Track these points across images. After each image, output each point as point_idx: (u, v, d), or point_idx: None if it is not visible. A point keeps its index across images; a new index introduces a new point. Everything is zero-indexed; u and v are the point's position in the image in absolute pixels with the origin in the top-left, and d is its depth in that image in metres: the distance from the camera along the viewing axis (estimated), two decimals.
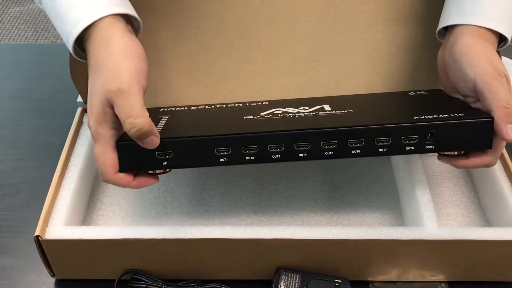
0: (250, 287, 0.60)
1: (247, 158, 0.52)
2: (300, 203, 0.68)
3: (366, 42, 0.67)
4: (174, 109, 0.65)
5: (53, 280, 0.61)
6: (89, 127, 0.50)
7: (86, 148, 0.67)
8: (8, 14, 2.38)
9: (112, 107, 0.48)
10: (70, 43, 0.51)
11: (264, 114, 0.59)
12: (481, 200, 0.68)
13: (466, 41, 0.55)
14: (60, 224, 0.57)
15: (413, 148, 0.52)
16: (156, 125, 0.51)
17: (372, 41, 0.67)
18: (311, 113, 0.58)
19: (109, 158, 0.50)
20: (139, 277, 0.58)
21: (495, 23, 0.55)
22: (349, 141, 0.51)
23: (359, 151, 0.52)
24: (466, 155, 0.54)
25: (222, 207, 0.67)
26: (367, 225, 0.65)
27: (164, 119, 0.59)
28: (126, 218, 0.66)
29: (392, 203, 0.68)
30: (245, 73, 0.68)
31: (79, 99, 0.71)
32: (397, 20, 0.66)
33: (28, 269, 0.62)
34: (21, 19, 2.34)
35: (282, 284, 0.56)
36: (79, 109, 0.72)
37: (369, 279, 0.60)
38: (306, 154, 0.52)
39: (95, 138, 0.50)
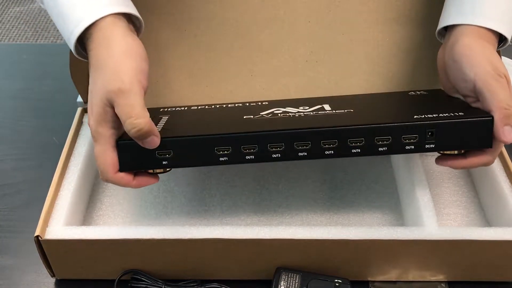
0: (250, 287, 0.60)
1: (247, 157, 0.52)
2: (300, 203, 0.68)
3: (366, 42, 0.67)
4: (174, 109, 0.65)
5: (53, 280, 0.61)
6: (89, 126, 0.50)
7: (86, 148, 0.67)
8: (8, 14, 2.38)
9: (112, 107, 0.48)
10: (71, 43, 0.51)
11: (264, 114, 0.59)
12: (481, 200, 0.68)
13: (466, 41, 0.55)
14: (60, 224, 0.57)
15: (413, 147, 0.52)
16: (156, 125, 0.51)
17: (372, 41, 0.67)
18: (311, 113, 0.58)
19: (109, 157, 0.50)
20: (139, 277, 0.58)
21: (495, 23, 0.55)
22: (349, 140, 0.52)
23: (359, 150, 0.52)
24: (464, 154, 0.54)
25: (222, 207, 0.67)
26: (367, 225, 0.65)
27: (164, 119, 0.59)
28: (126, 218, 0.66)
29: (392, 203, 0.68)
30: (245, 73, 0.68)
31: (79, 99, 0.71)
32: (397, 20, 0.66)
33: (28, 269, 0.62)
34: (21, 19, 2.34)
35: (282, 284, 0.56)
36: (79, 109, 0.72)
37: (369, 279, 0.60)
38: (306, 154, 0.52)
39: (95, 138, 0.50)
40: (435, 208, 0.59)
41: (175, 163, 0.53)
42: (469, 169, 0.72)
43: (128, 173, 0.52)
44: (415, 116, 0.52)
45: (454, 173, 0.71)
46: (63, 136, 0.67)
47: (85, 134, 0.69)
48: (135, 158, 0.52)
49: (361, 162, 0.72)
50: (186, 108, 0.66)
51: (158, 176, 0.55)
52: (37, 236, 0.55)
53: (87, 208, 0.67)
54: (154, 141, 0.49)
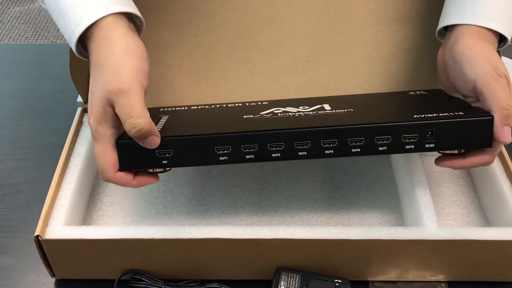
0: (250, 287, 0.60)
1: (247, 156, 0.52)
2: (300, 203, 0.68)
3: (366, 42, 0.67)
4: (174, 108, 0.65)
5: (53, 280, 0.61)
6: (89, 126, 0.51)
7: (86, 148, 0.67)
8: (8, 14, 2.38)
9: (112, 106, 0.48)
10: (73, 42, 0.51)
11: (264, 114, 0.59)
12: (481, 200, 0.68)
13: (466, 42, 0.55)
14: (60, 224, 0.57)
15: (413, 146, 0.52)
16: (156, 124, 0.51)
17: (372, 41, 0.67)
18: (311, 112, 0.58)
19: (109, 156, 0.50)
20: (139, 277, 0.58)
21: (495, 23, 0.55)
22: (349, 140, 0.52)
23: (359, 150, 0.52)
24: (464, 154, 0.54)
25: (222, 207, 0.67)
26: (367, 225, 0.65)
27: (164, 119, 0.59)
28: (126, 218, 0.66)
29: (392, 203, 0.68)
30: (245, 73, 0.68)
31: (79, 99, 0.71)
32: (397, 20, 0.66)
33: (28, 269, 0.62)
34: (21, 19, 2.34)
35: (282, 284, 0.56)
36: (79, 109, 0.72)
37: (369, 279, 0.60)
38: (306, 153, 0.52)
39: (95, 137, 0.50)
40: (435, 208, 0.59)
41: (175, 163, 0.53)
42: (469, 169, 0.72)
43: (128, 173, 0.52)
44: (415, 116, 0.52)
45: (454, 173, 0.71)
46: (63, 136, 0.67)
47: (85, 134, 0.69)
48: (135, 157, 0.52)
49: (361, 162, 0.72)
50: (186, 107, 0.66)
51: (158, 175, 0.55)
52: (37, 236, 0.56)
53: (87, 208, 0.67)
54: (154, 141, 0.49)
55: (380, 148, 0.52)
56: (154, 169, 0.54)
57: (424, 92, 0.65)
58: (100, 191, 0.69)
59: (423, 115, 0.52)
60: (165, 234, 0.56)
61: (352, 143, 0.52)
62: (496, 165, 0.65)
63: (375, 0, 0.65)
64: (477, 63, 0.53)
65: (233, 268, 0.59)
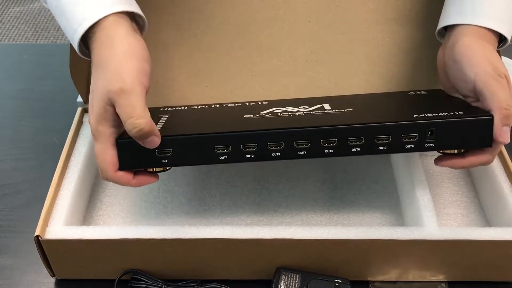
0: (250, 287, 0.60)
1: (247, 156, 0.52)
2: (300, 203, 0.68)
3: (366, 42, 0.67)
4: (174, 108, 0.66)
5: (53, 280, 0.61)
6: (89, 124, 0.51)
7: (86, 148, 0.67)
8: (8, 14, 2.38)
9: (113, 106, 0.48)
10: (75, 42, 0.51)
11: (264, 113, 0.59)
12: (481, 200, 0.68)
13: (466, 42, 0.55)
14: (60, 224, 0.57)
15: (413, 146, 0.52)
16: (156, 124, 0.51)
17: (372, 41, 0.67)
18: (311, 112, 0.58)
19: (109, 155, 0.50)
20: (139, 277, 0.58)
21: (495, 22, 0.55)
22: (349, 139, 0.52)
23: (359, 149, 0.52)
24: (464, 154, 0.54)
25: (222, 207, 0.67)
26: (367, 225, 0.65)
27: (164, 118, 0.59)
28: (126, 218, 0.66)
29: (392, 203, 0.68)
30: (245, 73, 0.68)
31: (79, 99, 0.71)
32: (397, 20, 0.66)
33: (28, 269, 0.62)
34: (21, 19, 2.35)
35: (282, 284, 0.56)
36: (79, 109, 0.72)
37: (369, 279, 0.60)
38: (305, 152, 0.52)
39: (95, 136, 0.50)
40: (435, 208, 0.59)
41: (174, 162, 0.53)
42: (469, 169, 0.72)
43: (128, 172, 0.52)
44: (415, 115, 0.52)
45: (454, 173, 0.71)
46: (63, 136, 0.67)
47: (85, 134, 0.69)
48: (135, 156, 0.52)
49: (361, 162, 0.72)
50: (186, 107, 0.66)
51: (158, 175, 0.55)
52: (37, 236, 0.56)
53: (87, 208, 0.67)
54: (155, 141, 0.49)
55: (380, 148, 0.52)
56: (154, 169, 0.54)
57: (424, 92, 0.65)
58: (100, 191, 0.69)
59: (423, 115, 0.52)
60: (165, 234, 0.56)
61: (352, 142, 0.52)
62: (496, 165, 0.65)
63: (375, 0, 0.65)
64: (477, 63, 0.53)
65: (233, 268, 0.59)
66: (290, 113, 0.58)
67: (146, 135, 0.48)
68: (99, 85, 0.49)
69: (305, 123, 0.54)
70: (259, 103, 0.65)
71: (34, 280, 0.61)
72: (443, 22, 0.58)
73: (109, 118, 0.49)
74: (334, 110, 0.58)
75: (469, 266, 0.59)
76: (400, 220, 0.65)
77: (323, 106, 0.60)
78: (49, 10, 0.55)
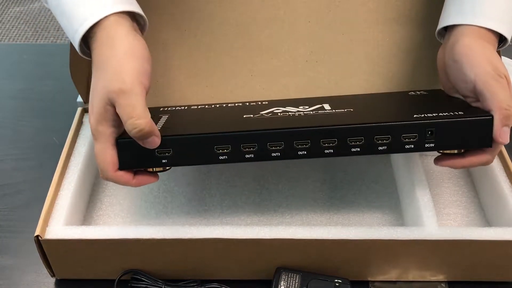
0: (250, 287, 0.60)
1: (247, 156, 0.52)
2: (300, 203, 0.68)
3: (366, 42, 0.67)
4: (174, 108, 0.66)
5: (53, 280, 0.61)
6: (90, 124, 0.51)
7: (86, 148, 0.67)
8: (8, 14, 2.38)
9: (113, 106, 0.48)
10: (76, 42, 0.52)
11: (264, 113, 0.59)
12: (481, 200, 0.68)
13: (466, 42, 0.55)
14: (60, 224, 0.57)
15: (412, 146, 0.52)
16: (156, 124, 0.51)
17: (372, 41, 0.67)
18: (311, 112, 0.58)
19: (108, 155, 0.50)
20: (139, 277, 0.58)
21: (495, 23, 0.55)
22: (349, 139, 0.52)
23: (358, 149, 0.52)
24: (463, 154, 0.54)
25: (222, 207, 0.67)
26: (367, 225, 0.65)
27: (164, 118, 0.59)
28: (126, 218, 0.66)
29: (392, 203, 0.68)
30: (245, 73, 0.68)
31: (79, 99, 0.71)
32: (397, 20, 0.66)
33: (28, 269, 0.62)
34: (21, 19, 2.35)
35: (282, 284, 0.56)
36: (79, 109, 0.72)
37: (369, 279, 0.60)
38: (305, 152, 0.52)
39: (95, 136, 0.50)
40: (435, 208, 0.59)
41: (174, 162, 0.53)
42: (469, 169, 0.72)
43: (128, 172, 0.52)
44: (415, 115, 0.52)
45: (454, 173, 0.71)
46: (63, 136, 0.67)
47: (85, 134, 0.69)
48: (135, 156, 0.52)
49: (361, 162, 0.72)
50: (186, 107, 0.66)
51: (157, 175, 0.55)
52: (37, 236, 0.56)
53: (87, 208, 0.67)
54: (155, 142, 0.49)
55: (380, 148, 0.52)
56: (154, 169, 0.54)
57: (424, 92, 0.65)
58: (100, 191, 0.69)
59: (423, 115, 0.52)
60: (165, 234, 0.56)
61: (351, 142, 0.52)
62: (496, 165, 0.65)
63: (375, 0, 0.65)
64: (477, 64, 0.53)
65: (233, 268, 0.59)
66: (290, 113, 0.58)
67: (146, 135, 0.48)
68: (100, 85, 0.49)
69: (305, 123, 0.54)
70: (259, 103, 0.65)
71: (34, 280, 0.61)
72: (443, 22, 0.58)
73: (109, 118, 0.49)
74: (334, 110, 0.58)
75: (469, 266, 0.59)
76: (400, 220, 0.65)
77: (323, 106, 0.60)
78: (49, 10, 0.55)
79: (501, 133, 0.51)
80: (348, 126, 0.52)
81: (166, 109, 0.65)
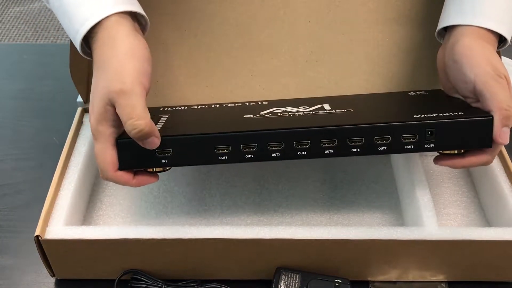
0: (250, 287, 0.60)
1: (247, 156, 0.52)
2: (300, 203, 0.68)
3: (366, 42, 0.67)
4: (174, 108, 0.66)
5: (53, 280, 0.61)
6: (90, 124, 0.51)
7: (86, 148, 0.67)
8: (8, 14, 2.38)
9: (113, 106, 0.48)
10: (77, 42, 0.52)
11: (264, 113, 0.59)
12: (481, 200, 0.68)
13: (466, 42, 0.55)
14: (60, 224, 0.57)
15: (412, 146, 0.52)
16: (156, 124, 0.51)
17: (372, 41, 0.67)
18: (311, 112, 0.58)
19: (108, 155, 0.50)
20: (139, 277, 0.58)
21: (495, 23, 0.55)
22: (349, 140, 0.52)
23: (358, 150, 0.52)
24: (463, 154, 0.54)
25: (222, 207, 0.67)
26: (367, 225, 0.65)
27: (164, 118, 0.59)
28: (126, 218, 0.66)
29: (392, 203, 0.68)
30: (245, 73, 0.68)
31: (79, 99, 0.71)
32: (397, 20, 0.66)
33: (28, 269, 0.62)
34: (21, 19, 2.34)
35: (282, 284, 0.56)
36: (79, 109, 0.72)
37: (369, 279, 0.60)
38: (305, 153, 0.52)
39: (95, 136, 0.50)
40: (435, 208, 0.59)
41: (174, 162, 0.53)
42: (469, 169, 0.72)
43: (128, 172, 0.52)
44: (414, 116, 0.52)
45: (454, 173, 0.71)
46: (63, 136, 0.67)
47: (85, 134, 0.69)
48: (135, 156, 0.52)
49: (361, 162, 0.72)
50: (186, 107, 0.66)
51: (157, 175, 0.55)
52: (37, 236, 0.56)
53: (87, 208, 0.67)
54: (155, 142, 0.49)
55: (380, 148, 0.52)
56: (154, 169, 0.54)
57: (424, 92, 0.65)
58: (100, 191, 0.69)
59: (423, 115, 0.52)
60: (165, 234, 0.56)
61: (351, 143, 0.52)
62: (496, 165, 0.65)
63: (375, 0, 0.65)
64: (477, 64, 0.53)
65: (233, 268, 0.59)
66: (290, 113, 0.58)
67: (146, 136, 0.48)
68: (100, 85, 0.49)
69: (305, 123, 0.54)
70: (259, 103, 0.65)
71: (34, 280, 0.61)
72: (443, 22, 0.58)
73: (109, 118, 0.49)
74: (334, 110, 0.58)
75: (469, 266, 0.59)
76: (400, 220, 0.65)
77: (323, 106, 0.60)
78: (49, 10, 0.55)
79: (501, 133, 0.51)
80: (348, 126, 0.52)
81: (166, 109, 0.65)
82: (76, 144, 0.68)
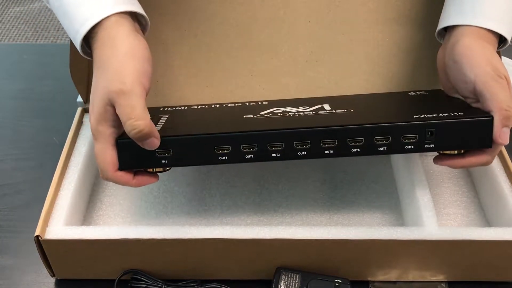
0: (250, 287, 0.60)
1: (247, 156, 0.52)
2: (300, 203, 0.68)
3: (366, 42, 0.67)
4: (174, 108, 0.66)
5: (53, 280, 0.61)
6: (90, 124, 0.51)
7: (86, 148, 0.67)
8: (8, 14, 2.38)
9: (113, 106, 0.48)
10: (77, 42, 0.52)
11: (264, 113, 0.59)
12: (481, 200, 0.68)
13: (466, 42, 0.55)
14: (60, 224, 0.57)
15: (412, 147, 0.52)
16: (155, 124, 0.51)
17: (372, 41, 0.67)
18: (311, 112, 0.58)
19: (108, 155, 0.50)
20: (139, 277, 0.58)
21: (495, 23, 0.55)
22: (349, 140, 0.52)
23: (358, 150, 0.52)
24: (463, 154, 0.54)
25: (222, 207, 0.67)
26: (367, 225, 0.65)
27: (164, 118, 0.59)
28: (126, 218, 0.66)
29: (392, 203, 0.68)
30: (245, 73, 0.68)
31: (79, 99, 0.71)
32: (397, 20, 0.66)
33: (28, 269, 0.62)
34: (21, 19, 2.35)
35: (282, 284, 0.56)
36: (79, 109, 0.72)
37: (369, 279, 0.60)
38: (305, 153, 0.52)
39: (95, 136, 0.50)
40: (435, 208, 0.59)
41: (174, 162, 0.53)
42: (469, 169, 0.72)
43: (128, 172, 0.52)
44: (414, 116, 0.52)
45: (454, 173, 0.71)
46: (63, 136, 0.67)
47: (85, 134, 0.69)
48: (135, 156, 0.52)
49: (361, 162, 0.72)
50: (186, 107, 0.66)
51: (157, 175, 0.55)
52: (37, 236, 0.56)
53: (87, 208, 0.67)
54: (154, 143, 0.49)
55: (380, 148, 0.52)
56: (154, 169, 0.54)
57: (424, 92, 0.65)
58: (100, 191, 0.69)
59: (423, 115, 0.52)
60: (165, 234, 0.56)
61: (351, 143, 0.52)
62: (496, 165, 0.65)
63: (375, 0, 0.65)
64: (477, 64, 0.53)
65: (233, 268, 0.59)
66: (290, 113, 0.58)
67: (145, 136, 0.48)
68: (100, 85, 0.49)
69: (305, 123, 0.54)
70: (259, 103, 0.65)
71: (34, 280, 0.61)
72: (443, 22, 0.58)
73: (109, 118, 0.49)
74: (334, 111, 0.58)
75: (469, 266, 0.59)
76: (400, 220, 0.65)
77: (323, 107, 0.60)
78: (49, 10, 0.55)
79: (501, 134, 0.51)
80: (348, 126, 0.52)
81: (166, 109, 0.65)
82: (76, 144, 0.68)
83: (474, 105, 0.55)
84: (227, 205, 0.67)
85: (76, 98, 0.72)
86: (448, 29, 0.58)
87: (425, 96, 0.63)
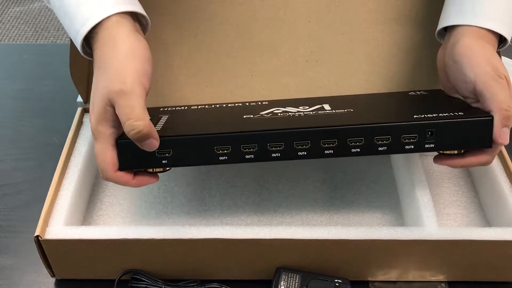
0: (250, 287, 0.60)
1: (247, 156, 0.52)
2: (300, 203, 0.68)
3: (366, 42, 0.67)
4: (174, 108, 0.66)
5: (53, 280, 0.61)
6: (90, 124, 0.51)
7: (86, 148, 0.67)
8: (8, 14, 2.38)
9: (113, 106, 0.48)
10: (78, 42, 0.52)
11: (264, 113, 0.59)
12: (481, 200, 0.68)
13: (466, 42, 0.55)
14: (60, 224, 0.57)
15: (412, 147, 0.52)
16: (155, 124, 0.51)
17: (372, 41, 0.67)
18: (311, 113, 0.58)
19: (108, 156, 0.50)
20: (139, 277, 0.58)
21: (495, 23, 0.55)
22: (349, 140, 0.52)
23: (358, 150, 0.52)
24: (463, 154, 0.54)
25: (222, 207, 0.67)
26: (367, 225, 0.65)
27: (164, 118, 0.59)
28: (126, 218, 0.66)
29: (392, 203, 0.68)
30: (245, 73, 0.68)
31: (79, 99, 0.71)
32: (397, 20, 0.66)
33: (28, 269, 0.62)
34: (21, 19, 2.35)
35: (282, 284, 0.56)
36: (79, 109, 0.72)
37: (369, 279, 0.60)
38: (305, 153, 0.52)
39: (95, 136, 0.50)
40: (435, 208, 0.59)
41: (174, 162, 0.53)
42: (469, 169, 0.72)
43: (128, 172, 0.52)
44: (414, 116, 0.52)
45: (454, 173, 0.71)
46: (63, 136, 0.67)
47: (85, 134, 0.69)
48: (135, 157, 0.52)
49: (361, 162, 0.72)
50: (186, 107, 0.66)
51: (157, 175, 0.55)
52: (37, 236, 0.56)
53: (87, 208, 0.67)
54: (153, 144, 0.49)
55: (380, 148, 0.52)
56: (154, 169, 0.54)
57: (424, 92, 0.65)
58: (100, 191, 0.69)
59: (423, 115, 0.52)
60: (165, 234, 0.56)
61: (351, 143, 0.52)
62: (496, 165, 0.65)
63: (375, 0, 0.65)
64: (477, 64, 0.53)
65: (233, 268, 0.59)
66: (290, 113, 0.58)
67: (144, 137, 0.48)
68: (100, 85, 0.49)
69: (305, 123, 0.54)
70: (259, 103, 0.65)
71: (34, 280, 0.61)
72: (443, 22, 0.58)
73: (109, 118, 0.49)
74: (334, 111, 0.58)
75: (469, 266, 0.59)
76: (400, 220, 0.65)
77: (323, 107, 0.60)
78: (49, 10, 0.55)
79: (501, 134, 0.51)
80: (348, 126, 0.52)
81: (166, 109, 0.65)
82: (76, 144, 0.68)
83: (474, 105, 0.55)
84: (227, 205, 0.67)
85: (76, 98, 0.72)
86: (448, 29, 0.58)
87: (425, 96, 0.64)
